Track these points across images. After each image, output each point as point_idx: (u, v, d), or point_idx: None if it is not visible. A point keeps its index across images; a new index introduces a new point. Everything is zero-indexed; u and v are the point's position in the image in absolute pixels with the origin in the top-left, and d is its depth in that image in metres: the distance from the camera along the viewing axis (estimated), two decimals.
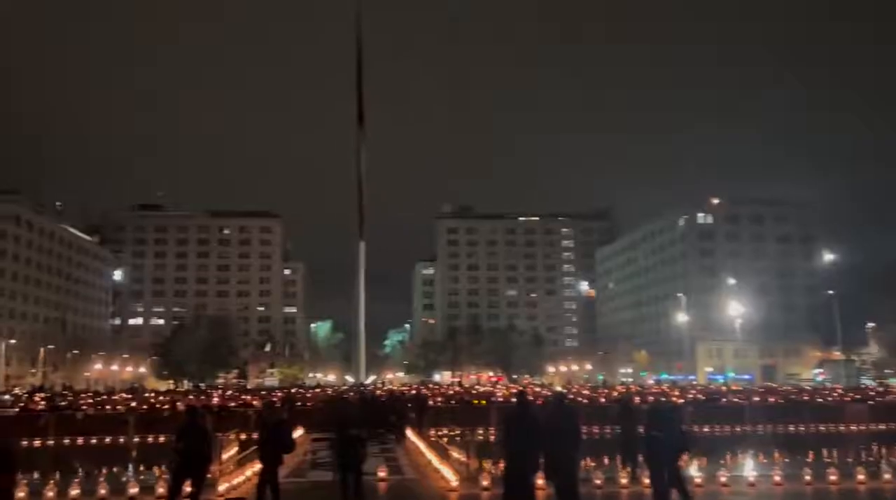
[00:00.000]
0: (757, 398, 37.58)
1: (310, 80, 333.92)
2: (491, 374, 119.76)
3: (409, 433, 26.46)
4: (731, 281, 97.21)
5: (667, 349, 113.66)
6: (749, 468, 17.37)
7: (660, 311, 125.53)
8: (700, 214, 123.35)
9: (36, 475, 16.29)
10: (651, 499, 12.25)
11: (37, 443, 25.65)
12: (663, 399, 25.30)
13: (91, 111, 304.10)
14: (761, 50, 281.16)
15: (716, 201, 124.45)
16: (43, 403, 36.83)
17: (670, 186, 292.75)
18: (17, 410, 32.07)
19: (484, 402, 34.39)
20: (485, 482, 14.98)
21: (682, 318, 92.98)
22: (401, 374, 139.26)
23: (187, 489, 12.40)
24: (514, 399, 12.88)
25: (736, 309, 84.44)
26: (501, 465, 13.91)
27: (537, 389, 50.43)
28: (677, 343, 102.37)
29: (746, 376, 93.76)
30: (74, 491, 14.13)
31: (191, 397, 43.83)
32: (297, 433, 23.55)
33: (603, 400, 34.96)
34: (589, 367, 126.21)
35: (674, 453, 12.45)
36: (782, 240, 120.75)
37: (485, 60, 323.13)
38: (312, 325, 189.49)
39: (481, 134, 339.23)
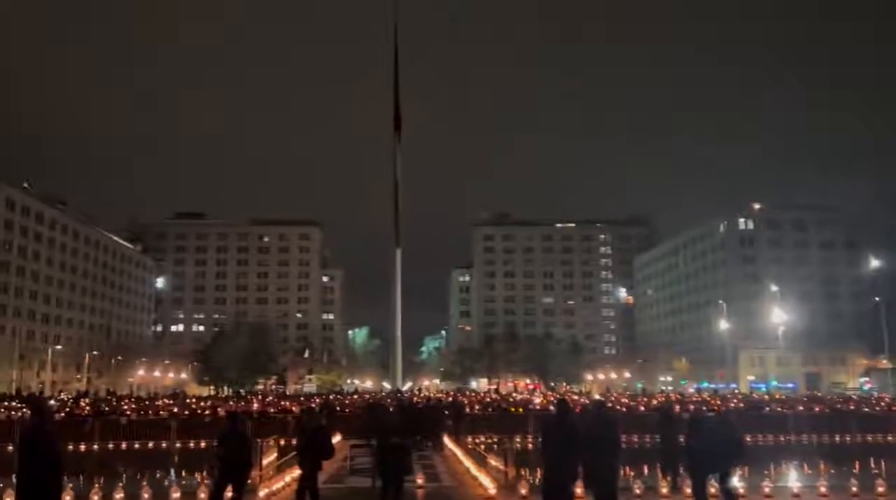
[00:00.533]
0: (801, 408, 36.75)
1: (347, 82, 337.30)
2: (528, 381, 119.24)
3: (447, 440, 26.43)
4: (774, 288, 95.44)
5: (708, 357, 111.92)
6: (794, 478, 16.99)
7: (700, 318, 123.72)
8: (741, 220, 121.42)
9: (81, 480, 16.61)
10: None
11: (82, 447, 26.17)
12: (704, 408, 24.87)
13: (91, 111, 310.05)
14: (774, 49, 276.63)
15: (757, 207, 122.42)
16: (88, 408, 37.60)
17: (708, 190, 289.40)
18: (63, 415, 32.78)
19: (521, 410, 34.19)
20: (523, 491, 14.87)
21: (723, 325, 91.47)
22: (437, 381, 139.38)
23: (228, 494, 12.53)
24: (553, 407, 12.76)
25: (779, 316, 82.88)
26: (540, 473, 13.82)
27: (575, 397, 50.05)
28: (719, 351, 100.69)
29: (790, 385, 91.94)
30: (119, 495, 14.38)
31: (231, 402, 44.38)
32: (336, 438, 23.67)
33: (642, 409, 34.54)
34: (627, 375, 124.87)
35: (723, 463, 12.15)
36: (826, 246, 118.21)
37: (532, 60, 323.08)
38: (350, 331, 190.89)
39: (521, 139, 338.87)
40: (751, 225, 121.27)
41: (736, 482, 13.53)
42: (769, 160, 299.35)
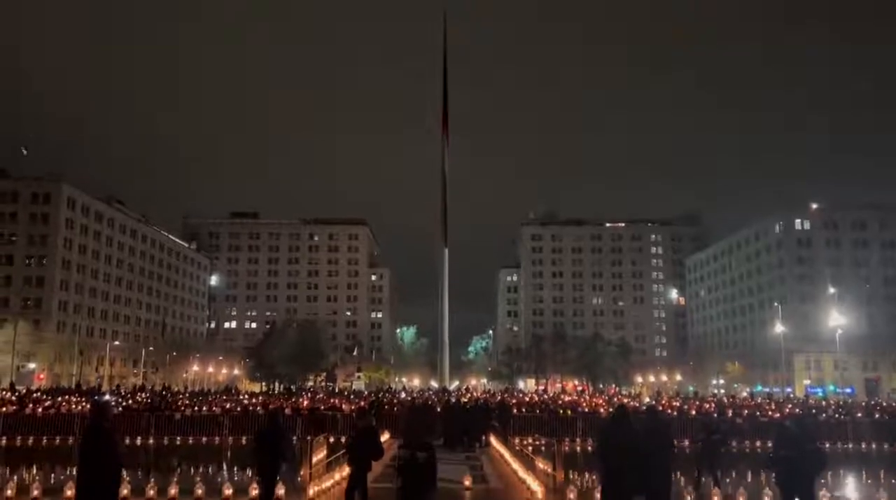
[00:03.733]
0: (860, 414, 35.60)
1: (396, 83, 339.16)
2: (576, 382, 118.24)
3: (494, 441, 26.37)
4: (832, 290, 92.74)
5: (762, 361, 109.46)
6: (852, 487, 16.50)
7: (754, 320, 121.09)
8: (798, 220, 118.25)
9: (139, 474, 17.04)
10: None
11: (138, 441, 26.87)
12: (792, 416, 24.21)
13: (151, 112, 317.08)
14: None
15: (815, 207, 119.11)
16: (145, 403, 38.59)
17: (763, 189, 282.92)
18: (120, 409, 33.71)
19: (570, 412, 33.89)
20: (571, 496, 14.75)
21: (778, 328, 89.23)
22: (484, 380, 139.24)
23: (280, 490, 12.70)
24: (612, 412, 12.52)
25: (836, 319, 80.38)
26: (597, 480, 13.66)
27: (625, 400, 49.39)
28: (773, 354, 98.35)
29: (848, 390, 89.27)
30: (173, 490, 14.74)
31: (281, 399, 45.01)
32: (384, 437, 23.84)
33: (693, 413, 33.89)
34: (679, 378, 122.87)
35: (808, 474, 11.69)
36: (888, 246, 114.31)
37: (572, 61, 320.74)
38: (398, 330, 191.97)
39: (569, 140, 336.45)
40: (808, 225, 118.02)
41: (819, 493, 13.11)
42: (826, 159, 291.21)
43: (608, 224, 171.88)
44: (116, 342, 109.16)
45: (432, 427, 11.62)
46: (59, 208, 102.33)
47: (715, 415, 33.08)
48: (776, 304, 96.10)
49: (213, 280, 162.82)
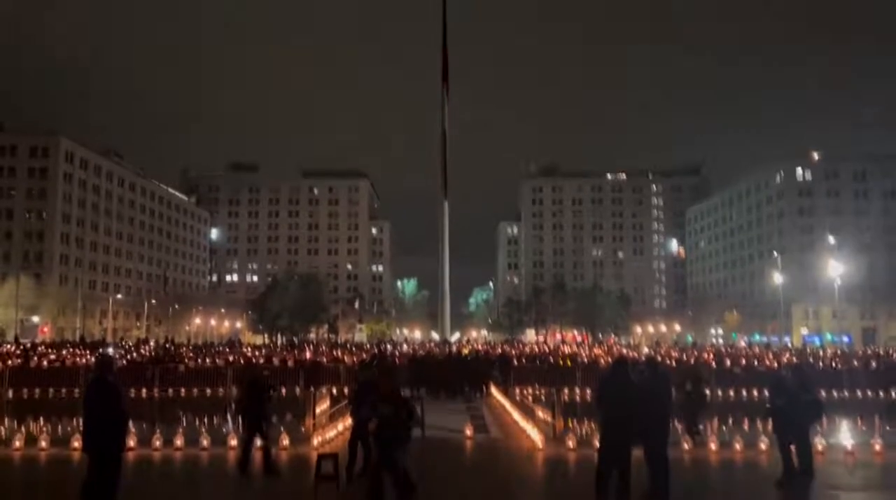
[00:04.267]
0: (857, 363, 35.96)
1: (398, 36, 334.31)
2: (576, 333, 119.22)
3: (494, 391, 26.73)
4: (832, 240, 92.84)
5: (760, 311, 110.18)
6: (847, 435, 16.75)
7: (754, 271, 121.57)
8: (799, 170, 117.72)
9: (144, 426, 17.30)
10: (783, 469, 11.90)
11: (143, 394, 27.22)
12: (789, 365, 24.31)
13: (145, 65, 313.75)
14: None
15: (815, 156, 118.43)
16: (149, 356, 39.00)
17: (763, 137, 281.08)
18: (125, 362, 34.09)
19: (570, 363, 34.25)
20: (570, 444, 15.00)
21: (777, 278, 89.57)
22: (485, 332, 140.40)
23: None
24: (610, 363, 12.64)
25: (835, 269, 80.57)
26: (596, 430, 13.84)
27: (623, 350, 49.90)
28: (772, 305, 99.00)
29: (845, 339, 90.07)
30: (178, 441, 14.98)
31: (284, 352, 45.48)
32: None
33: (692, 363, 34.25)
34: (678, 328, 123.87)
35: (803, 422, 12.05)
36: (889, 196, 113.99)
37: (573, 15, 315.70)
38: (398, 282, 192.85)
39: (569, 91, 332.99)
40: (809, 175, 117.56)
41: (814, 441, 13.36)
42: (825, 108, 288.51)
43: (609, 176, 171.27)
44: (119, 296, 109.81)
45: (393, 379, 11.15)
46: (58, 162, 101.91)
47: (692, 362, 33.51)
48: (775, 254, 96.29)
49: (214, 234, 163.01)
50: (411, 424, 10.12)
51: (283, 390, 25.66)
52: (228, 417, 12.95)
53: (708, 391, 18.76)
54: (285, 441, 15.10)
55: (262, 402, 12.91)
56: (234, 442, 14.91)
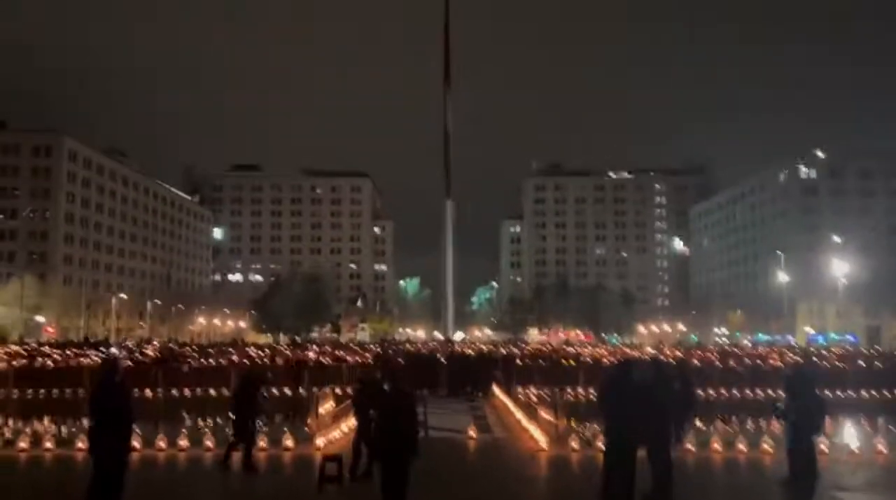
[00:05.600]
0: (861, 362, 35.84)
1: (399, 35, 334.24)
2: (579, 332, 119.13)
3: (497, 391, 26.70)
4: (836, 239, 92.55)
5: (764, 309, 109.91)
6: (851, 435, 16.73)
7: (758, 270, 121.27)
8: (803, 169, 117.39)
9: (148, 426, 17.33)
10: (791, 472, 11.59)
11: (148, 394, 27.24)
12: (795, 365, 23.95)
13: (148, 64, 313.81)
14: None
15: (819, 155, 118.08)
16: (154, 356, 38.99)
17: (769, 136, 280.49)
18: (130, 363, 34.11)
19: (573, 362, 34.19)
20: (574, 444, 15.01)
21: (781, 277, 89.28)
22: (488, 331, 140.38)
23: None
24: (614, 363, 12.48)
25: (840, 268, 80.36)
26: (599, 428, 13.80)
27: (627, 350, 49.80)
28: (776, 303, 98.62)
29: (850, 338, 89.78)
30: (183, 442, 15.02)
31: (287, 351, 45.43)
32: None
33: (696, 362, 34.15)
34: (681, 327, 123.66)
35: (815, 424, 11.48)
36: (893, 194, 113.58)
37: (575, 14, 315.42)
38: (402, 281, 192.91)
39: (573, 88, 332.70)
40: (813, 174, 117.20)
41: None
42: (830, 106, 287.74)
43: (612, 174, 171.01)
44: (122, 295, 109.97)
45: (400, 375, 10.84)
46: (61, 161, 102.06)
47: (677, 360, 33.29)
48: (779, 253, 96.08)
49: (217, 233, 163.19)
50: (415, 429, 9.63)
51: (287, 390, 25.67)
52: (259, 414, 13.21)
53: (700, 392, 18.19)
54: (289, 442, 15.12)
55: (253, 401, 12.95)
56: (262, 443, 14.93)
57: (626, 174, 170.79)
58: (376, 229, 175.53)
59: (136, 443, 14.30)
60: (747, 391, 27.17)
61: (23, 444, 14.83)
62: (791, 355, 40.45)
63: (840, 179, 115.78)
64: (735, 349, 50.43)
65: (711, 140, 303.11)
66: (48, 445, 14.81)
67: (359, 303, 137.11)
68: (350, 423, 15.39)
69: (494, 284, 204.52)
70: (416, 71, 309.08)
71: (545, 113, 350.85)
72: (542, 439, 15.61)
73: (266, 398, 13.43)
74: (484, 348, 47.12)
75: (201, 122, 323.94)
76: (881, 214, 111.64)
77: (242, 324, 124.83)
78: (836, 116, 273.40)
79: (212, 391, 28.09)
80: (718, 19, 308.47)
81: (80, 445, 14.08)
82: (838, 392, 26.91)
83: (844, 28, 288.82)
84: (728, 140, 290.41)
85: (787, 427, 11.93)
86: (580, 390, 27.21)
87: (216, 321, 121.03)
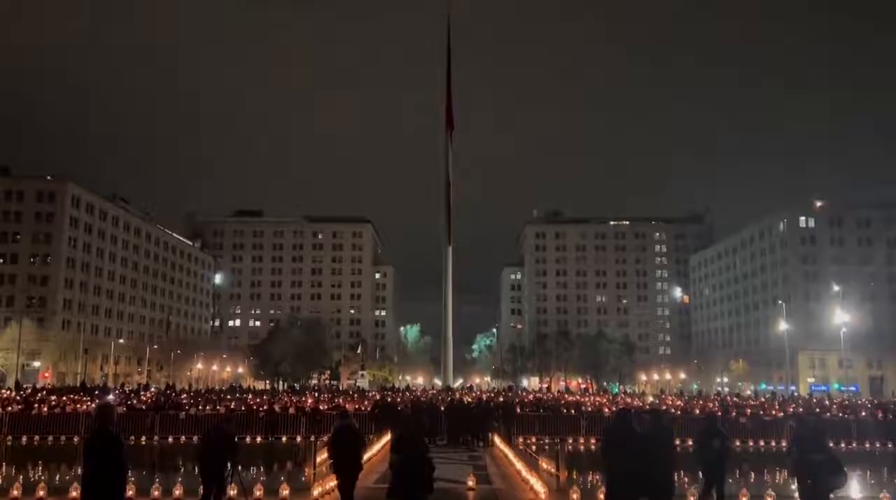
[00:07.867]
0: (864, 413, 35.54)
1: (400, 80, 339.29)
2: (580, 380, 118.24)
3: (497, 440, 26.39)
4: (836, 288, 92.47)
5: (766, 359, 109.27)
6: (855, 488, 16.48)
7: (759, 319, 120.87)
8: (802, 218, 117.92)
9: (144, 473, 17.09)
10: None
11: (143, 441, 26.94)
12: (798, 416, 23.47)
13: (153, 112, 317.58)
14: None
15: (819, 204, 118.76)
16: (150, 401, 38.68)
17: (767, 187, 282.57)
18: (124, 409, 33.80)
19: (574, 411, 33.90)
20: (575, 496, 14.77)
21: (782, 326, 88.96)
22: (488, 378, 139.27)
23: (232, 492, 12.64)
24: (615, 414, 12.22)
25: (841, 317, 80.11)
26: (599, 478, 13.62)
27: (628, 400, 49.38)
28: (777, 353, 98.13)
29: (852, 388, 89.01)
30: (177, 490, 14.78)
31: (285, 394, 45.07)
32: (387, 437, 23.87)
33: (697, 412, 33.85)
34: (683, 376, 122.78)
35: (831, 480, 10.65)
36: (893, 244, 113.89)
37: (576, 61, 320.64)
38: (401, 328, 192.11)
39: (571, 137, 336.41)
40: (812, 223, 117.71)
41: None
42: (830, 157, 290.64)
43: (612, 222, 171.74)
44: (121, 340, 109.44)
45: (423, 429, 10.92)
46: (65, 207, 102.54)
47: (718, 414, 32.91)
48: (780, 302, 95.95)
49: (217, 278, 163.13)
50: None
51: (284, 439, 25.38)
52: (228, 465, 12.77)
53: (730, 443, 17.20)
54: (285, 492, 14.89)
55: (221, 456, 12.52)
56: (233, 493, 14.69)
57: (625, 222, 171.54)
58: (377, 275, 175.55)
59: (130, 492, 14.09)
60: (750, 442, 26.87)
61: (15, 492, 14.60)
62: (794, 405, 40.12)
63: (839, 228, 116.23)
64: (738, 399, 50.00)
65: (709, 188, 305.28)
66: (41, 493, 14.58)
67: (358, 350, 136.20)
68: None
69: (495, 331, 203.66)
70: (418, 114, 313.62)
71: (544, 160, 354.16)
72: (542, 490, 15.36)
73: (235, 448, 12.94)
74: (484, 396, 46.73)
75: (203, 167, 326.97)
76: (881, 264, 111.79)
77: (241, 370, 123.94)
78: (834, 165, 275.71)
79: None
80: (718, 63, 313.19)
81: (73, 494, 13.86)
82: (842, 443, 26.66)
83: (842, 75, 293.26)
84: (726, 189, 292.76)
85: (803, 485, 11.00)
86: (581, 439, 26.95)
87: (215, 367, 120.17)
